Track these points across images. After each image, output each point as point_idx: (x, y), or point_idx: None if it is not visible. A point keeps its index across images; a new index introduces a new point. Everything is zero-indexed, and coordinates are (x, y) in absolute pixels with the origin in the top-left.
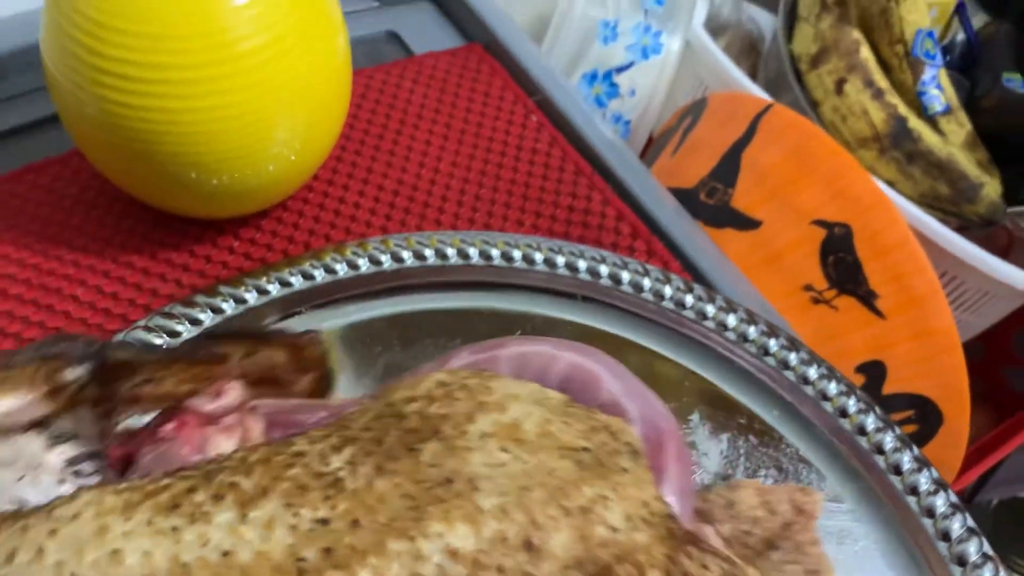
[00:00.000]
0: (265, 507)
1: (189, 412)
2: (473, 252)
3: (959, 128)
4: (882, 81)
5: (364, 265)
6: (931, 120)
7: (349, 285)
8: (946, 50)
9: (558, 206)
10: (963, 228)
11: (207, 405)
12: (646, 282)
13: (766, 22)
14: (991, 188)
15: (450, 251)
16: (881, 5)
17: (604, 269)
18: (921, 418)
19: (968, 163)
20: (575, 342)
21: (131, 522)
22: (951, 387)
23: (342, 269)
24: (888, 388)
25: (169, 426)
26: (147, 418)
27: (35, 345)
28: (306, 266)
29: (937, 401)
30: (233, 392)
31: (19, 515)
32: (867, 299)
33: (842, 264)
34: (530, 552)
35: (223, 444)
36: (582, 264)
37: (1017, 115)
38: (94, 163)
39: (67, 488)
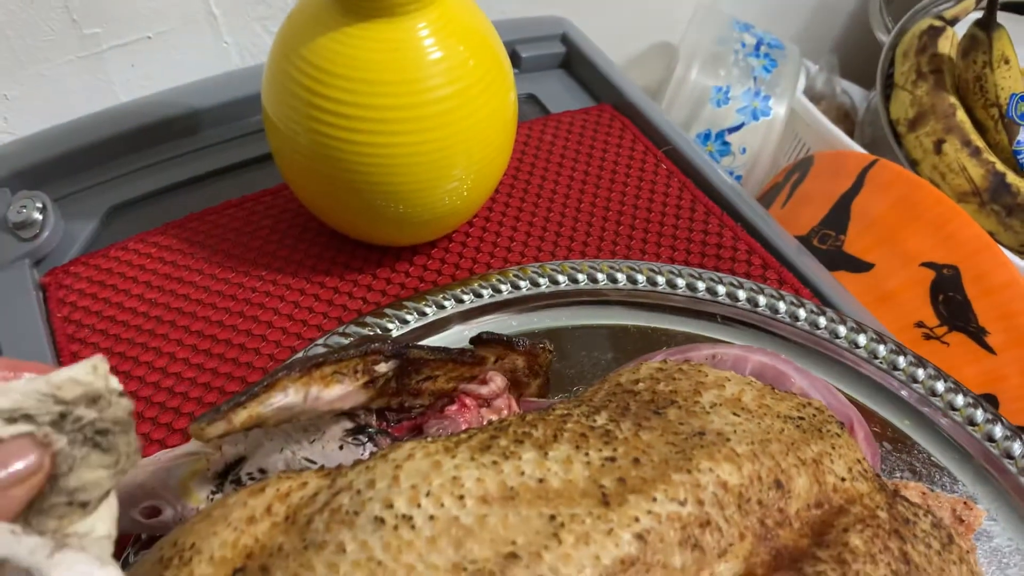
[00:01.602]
0: (559, 448)
1: (468, 395)
2: (621, 276)
3: None
4: (979, 141)
5: (525, 286)
6: None
7: (510, 303)
8: None
9: (692, 242)
10: None
11: (481, 389)
12: (781, 305)
13: (858, 94)
14: None
15: (600, 275)
16: (976, 72)
17: (742, 293)
18: None
19: None
20: (759, 347)
21: (456, 459)
22: None
23: (505, 289)
24: None
25: (453, 407)
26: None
27: (355, 343)
28: (475, 286)
29: None
30: (497, 379)
31: (354, 467)
32: (977, 335)
33: (952, 303)
34: (780, 490)
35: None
36: (721, 289)
37: None
38: (298, 194)
39: (345, 452)
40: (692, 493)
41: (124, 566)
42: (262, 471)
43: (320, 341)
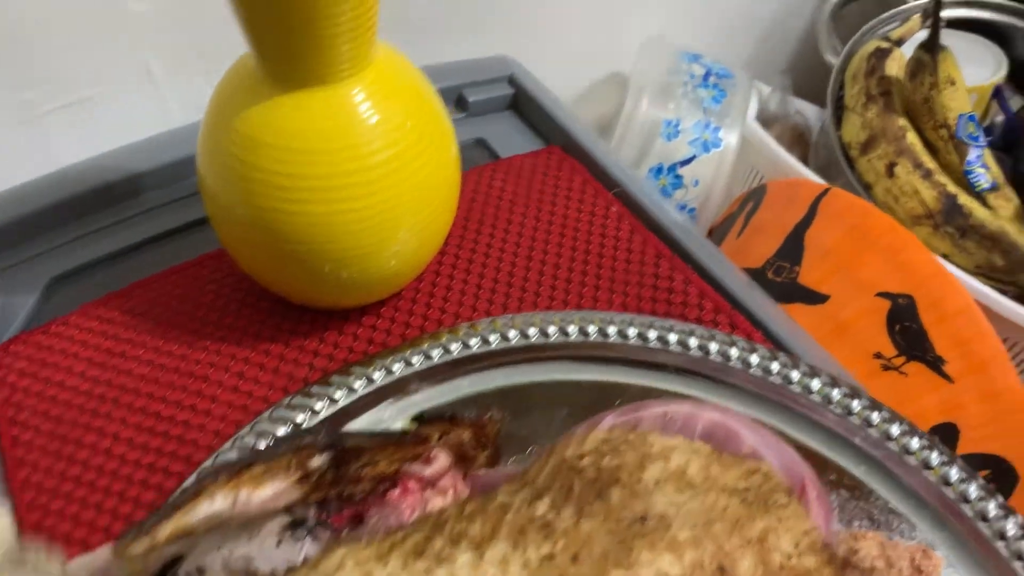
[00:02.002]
0: (497, 547)
1: (411, 478)
2: (572, 329)
3: (1007, 203)
4: (930, 163)
5: (475, 344)
6: (980, 196)
7: (462, 362)
8: (988, 131)
9: (643, 286)
10: (1022, 297)
11: (425, 470)
12: (733, 351)
13: (812, 113)
14: None
15: (551, 329)
16: (923, 94)
17: (693, 341)
18: (996, 477)
19: (1019, 234)
20: (710, 402)
21: (388, 567)
22: (1022, 448)
23: (456, 348)
24: (962, 449)
25: (395, 491)
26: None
27: (285, 438)
28: (424, 346)
29: (1011, 460)
30: (442, 457)
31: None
32: (935, 364)
33: (908, 332)
34: (722, 575)
35: (439, 504)
36: (672, 337)
37: None
38: (238, 260)
39: (284, 548)
40: None
41: None
42: (200, 570)
43: (266, 415)
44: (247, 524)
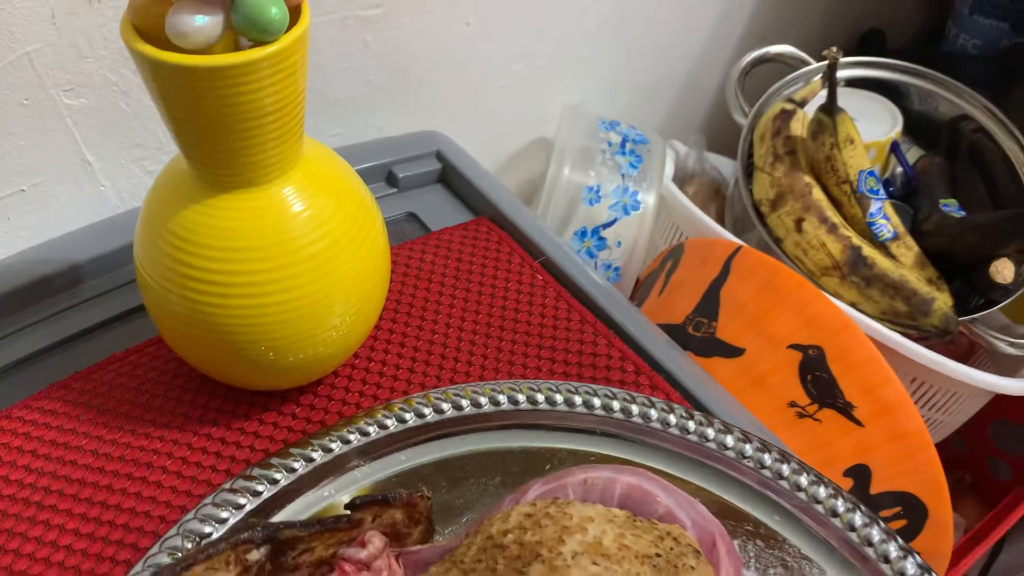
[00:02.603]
0: None
1: (348, 562)
2: (502, 398)
3: (908, 251)
4: (835, 217)
5: (410, 418)
6: (883, 246)
7: (398, 437)
8: (888, 183)
9: (569, 351)
10: (924, 339)
11: (360, 554)
12: (653, 412)
13: (727, 168)
14: (942, 302)
15: (483, 399)
16: (825, 153)
17: (616, 404)
18: (908, 513)
19: (919, 281)
20: (627, 466)
21: None
22: (930, 482)
23: (392, 423)
24: (875, 488)
25: (333, 575)
26: None
27: (225, 535)
28: (361, 424)
29: (920, 496)
30: (376, 540)
31: None
32: (845, 410)
33: (819, 381)
34: None
35: None
36: (596, 401)
37: (955, 235)
38: (175, 349)
39: None
40: None
41: None
42: None
43: (209, 499)
44: None
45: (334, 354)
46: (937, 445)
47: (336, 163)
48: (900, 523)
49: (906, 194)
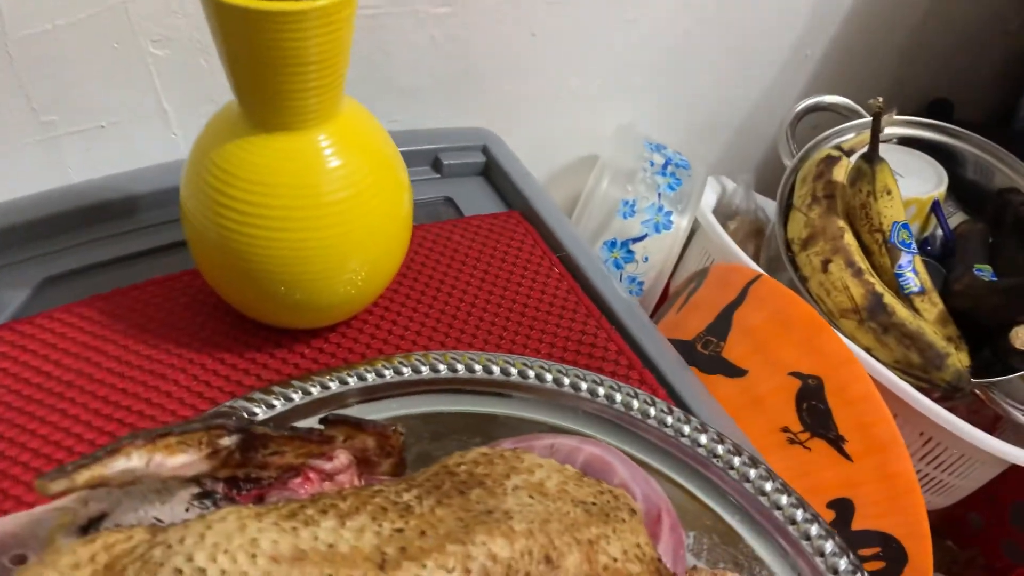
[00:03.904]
0: (358, 519)
1: (312, 470)
2: (496, 368)
3: (932, 307)
4: (862, 262)
5: (407, 372)
6: (907, 298)
7: (393, 386)
8: (927, 242)
9: (569, 339)
10: (944, 398)
11: (325, 465)
12: (635, 403)
13: (771, 210)
14: (956, 359)
15: (477, 367)
16: (861, 200)
17: (601, 390)
18: (887, 555)
19: (936, 336)
20: (594, 439)
21: (262, 523)
22: (913, 527)
23: (389, 374)
24: (856, 524)
25: (296, 480)
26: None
27: (201, 417)
28: (361, 370)
29: (901, 540)
30: (342, 456)
31: (175, 525)
32: (836, 443)
33: (815, 411)
34: (548, 564)
35: None
36: (584, 385)
37: (980, 297)
38: (207, 279)
39: (191, 515)
40: (461, 562)
41: None
42: (118, 526)
43: (209, 413)
44: (161, 491)
45: (347, 301)
46: (953, 519)
47: (372, 127)
48: (878, 564)
49: (942, 255)
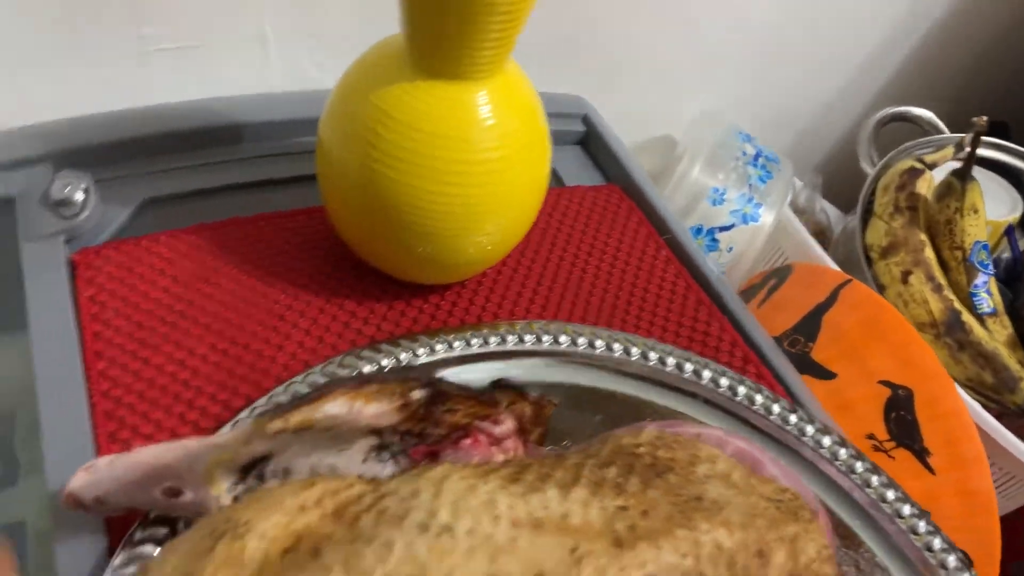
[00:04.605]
0: (578, 492)
1: (483, 432)
2: (617, 347)
3: (1003, 329)
4: (942, 278)
5: (529, 340)
6: (979, 318)
7: (514, 355)
8: (994, 263)
9: (681, 326)
10: (1001, 415)
11: (494, 429)
12: (758, 397)
13: (834, 215)
14: None
15: (599, 343)
16: (947, 216)
17: (724, 381)
18: None
19: (1009, 358)
20: (736, 433)
21: (489, 485)
22: (986, 546)
23: (512, 340)
24: None
25: (467, 440)
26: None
27: (396, 369)
28: (484, 331)
29: (973, 558)
30: (509, 422)
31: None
32: (921, 455)
33: (902, 421)
34: (761, 559)
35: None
36: (706, 373)
37: None
38: (333, 219)
39: (368, 465)
40: (692, 549)
41: (131, 540)
42: (287, 471)
43: (336, 360)
44: (337, 439)
45: (472, 263)
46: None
47: (530, 89)
48: None
49: (1009, 279)
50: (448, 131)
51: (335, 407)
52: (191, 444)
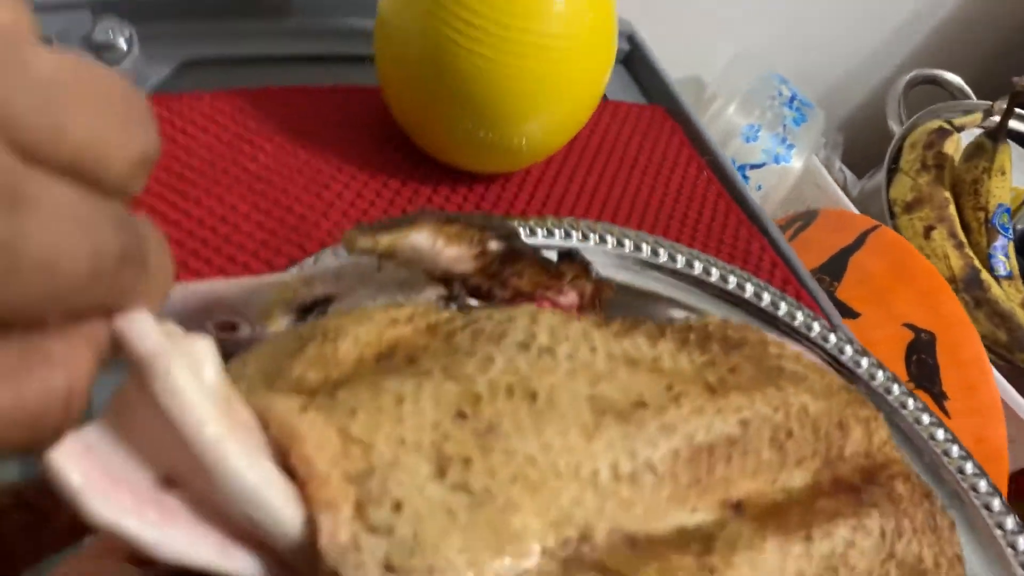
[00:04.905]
0: (665, 343)
1: (547, 300)
2: (680, 258)
3: (1017, 293)
4: (963, 236)
5: (576, 237)
6: (995, 280)
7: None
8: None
9: (723, 244)
10: (1010, 376)
11: (560, 299)
12: (799, 315)
13: (851, 179)
14: None
15: (661, 251)
16: (975, 175)
17: (767, 296)
18: None
19: None
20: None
21: (582, 324)
22: None
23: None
24: None
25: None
26: None
27: (479, 214)
28: (531, 223)
29: None
30: (572, 295)
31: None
32: (939, 399)
33: (923, 365)
34: (841, 431)
35: None
36: (749, 287)
37: None
38: (388, 99)
39: None
40: (783, 407)
41: None
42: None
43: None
44: (404, 285)
45: (522, 152)
46: None
47: None
48: None
49: (1019, 247)
50: (523, 4)
51: (421, 238)
52: (251, 281)
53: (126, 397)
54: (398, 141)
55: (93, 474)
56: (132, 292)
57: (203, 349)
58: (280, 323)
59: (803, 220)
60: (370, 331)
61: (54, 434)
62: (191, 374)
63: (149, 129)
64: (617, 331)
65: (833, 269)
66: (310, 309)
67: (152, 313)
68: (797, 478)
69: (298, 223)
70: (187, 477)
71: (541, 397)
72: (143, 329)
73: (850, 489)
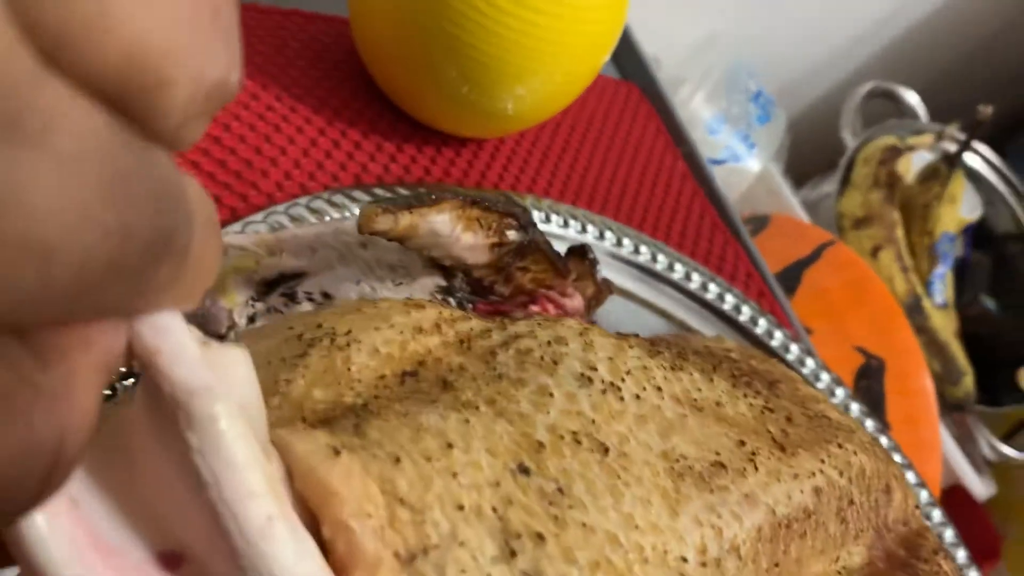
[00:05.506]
0: (719, 381)
1: (551, 301)
2: (662, 258)
3: (949, 323)
4: (908, 260)
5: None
6: (934, 308)
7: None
8: None
9: (697, 246)
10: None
11: (565, 301)
12: (778, 333)
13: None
14: (969, 380)
15: (643, 248)
16: (927, 199)
17: (747, 309)
18: None
19: (958, 352)
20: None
21: (635, 351)
22: None
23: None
24: None
25: (535, 307)
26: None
27: (502, 199)
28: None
29: None
30: (578, 298)
31: (521, 320)
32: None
33: (870, 392)
34: (887, 495)
35: None
36: (731, 297)
37: (990, 327)
38: (357, 38)
39: None
40: (846, 469)
41: None
42: (326, 295)
43: (324, 195)
44: (394, 270)
45: (500, 118)
46: None
47: None
48: None
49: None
50: None
51: (441, 222)
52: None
53: (130, 426)
54: (364, 85)
55: (79, 541)
56: (164, 292)
57: (244, 376)
58: (236, 298)
59: (754, 225)
60: (390, 341)
61: (30, 502)
62: (241, 425)
63: (232, 47)
64: (671, 364)
65: (787, 281)
66: (274, 284)
67: (185, 317)
68: (856, 555)
69: (242, 168)
70: (201, 557)
71: (612, 451)
72: (176, 349)
73: (902, 565)
